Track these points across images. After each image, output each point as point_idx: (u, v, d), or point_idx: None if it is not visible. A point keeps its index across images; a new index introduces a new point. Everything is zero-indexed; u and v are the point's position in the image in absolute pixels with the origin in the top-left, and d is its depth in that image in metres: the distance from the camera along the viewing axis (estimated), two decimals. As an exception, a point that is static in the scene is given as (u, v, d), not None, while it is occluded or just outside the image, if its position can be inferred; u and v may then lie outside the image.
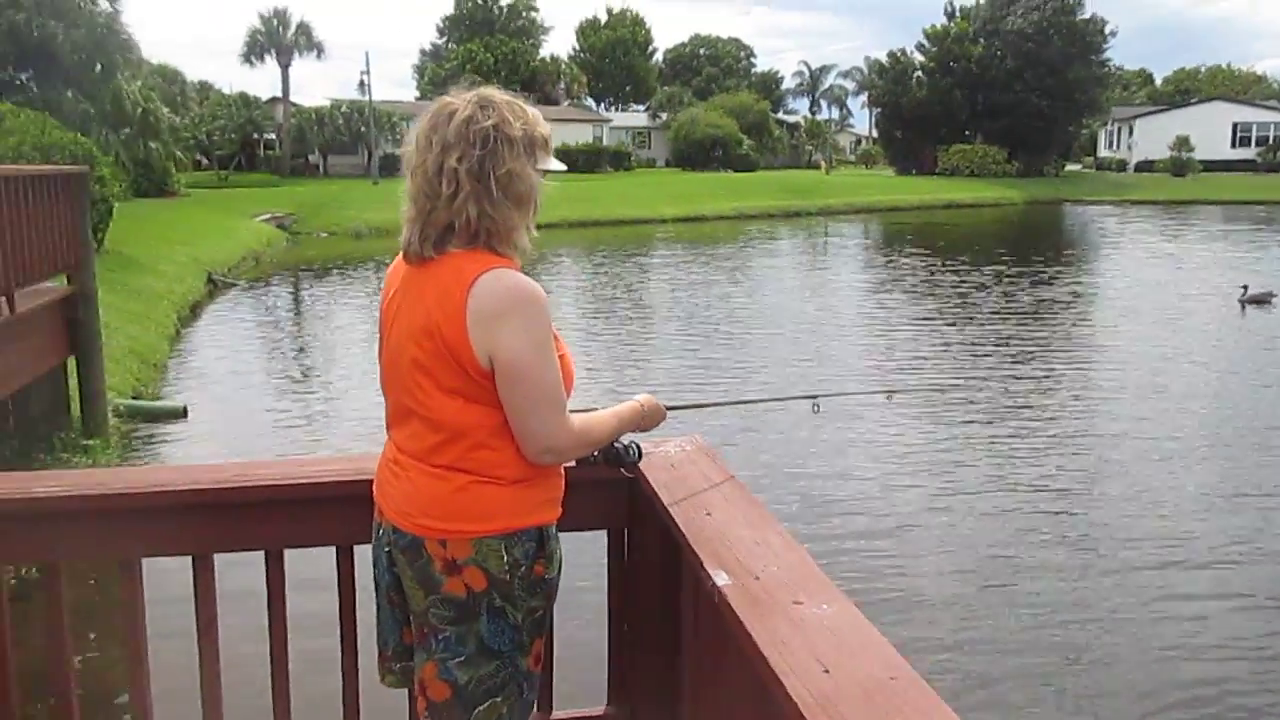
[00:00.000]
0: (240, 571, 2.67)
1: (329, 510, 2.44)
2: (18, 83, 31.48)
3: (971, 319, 15.57)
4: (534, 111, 2.04)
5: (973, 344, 13.64)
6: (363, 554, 2.39)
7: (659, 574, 2.49)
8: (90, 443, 7.92)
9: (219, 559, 2.48)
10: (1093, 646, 5.45)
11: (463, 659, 2.02)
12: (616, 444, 2.29)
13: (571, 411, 2.07)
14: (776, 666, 1.50)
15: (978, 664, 5.28)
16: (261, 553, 2.47)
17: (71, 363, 8.23)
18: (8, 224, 6.63)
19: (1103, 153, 65.36)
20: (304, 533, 2.49)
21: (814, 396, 2.68)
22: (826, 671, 1.47)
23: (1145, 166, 56.63)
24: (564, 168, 2.20)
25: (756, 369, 12.18)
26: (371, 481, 2.19)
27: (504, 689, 2.05)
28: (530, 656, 2.09)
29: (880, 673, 1.47)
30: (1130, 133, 60.42)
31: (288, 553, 2.49)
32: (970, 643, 5.49)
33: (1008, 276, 20.55)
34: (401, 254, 2.04)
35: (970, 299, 17.64)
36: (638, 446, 2.36)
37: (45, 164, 13.40)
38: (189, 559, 2.45)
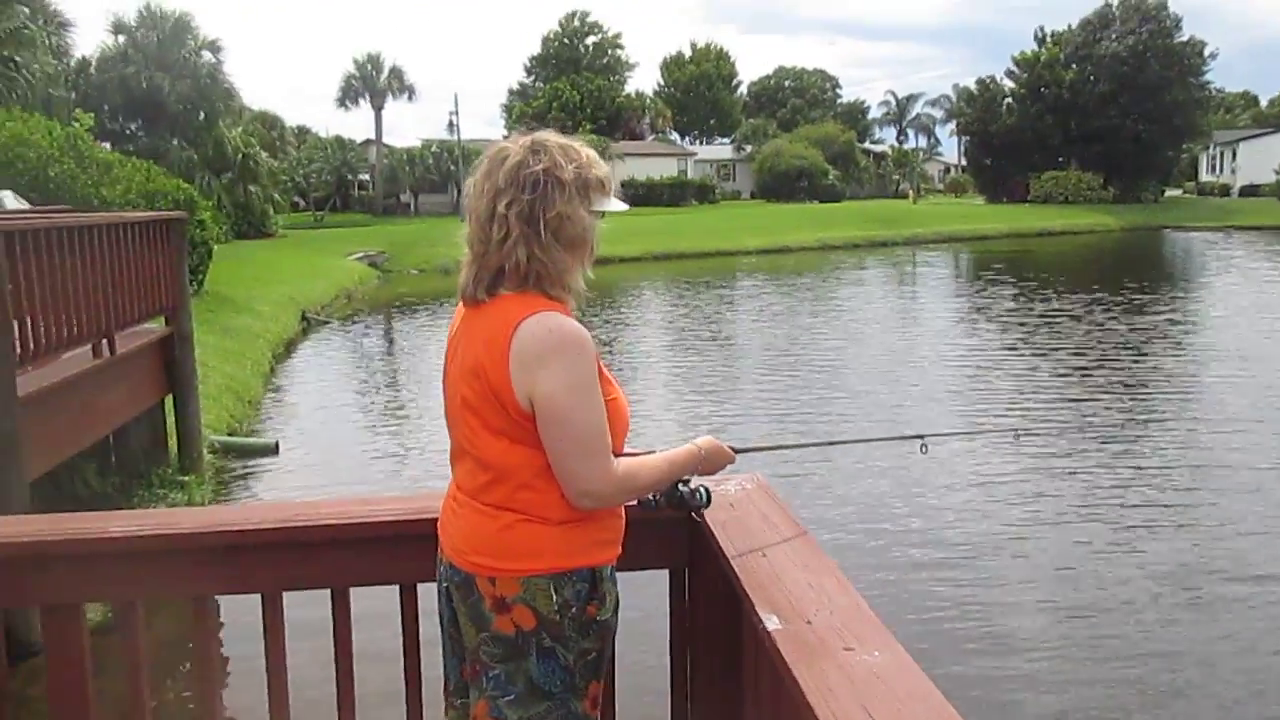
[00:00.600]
0: (305, 611, 2.72)
1: (392, 549, 2.48)
2: (128, 132, 33.15)
3: (1066, 349, 15.14)
4: (589, 153, 2.07)
5: (1068, 376, 13.26)
6: (427, 591, 2.42)
7: (720, 616, 2.46)
8: (186, 479, 8.17)
9: (286, 597, 2.54)
10: (1184, 688, 5.22)
11: (512, 698, 2.02)
12: (681, 488, 2.25)
13: (626, 454, 2.07)
14: (822, 716, 1.47)
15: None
16: (328, 591, 2.52)
17: (169, 401, 8.52)
18: (110, 269, 6.92)
19: (1204, 177, 63.34)
20: (368, 570, 2.53)
21: (916, 437, 2.59)
22: (873, 722, 1.44)
23: (1250, 191, 54.71)
24: (625, 207, 2.20)
25: (841, 406, 12.01)
26: (434, 520, 2.22)
27: None
28: (585, 700, 2.08)
29: (930, 725, 1.43)
30: (1234, 156, 58.51)
31: (353, 591, 2.54)
32: (1063, 682, 5.30)
33: (1101, 305, 19.97)
34: (459, 296, 2.09)
35: (1061, 328, 17.17)
36: (706, 490, 2.30)
37: (150, 209, 14.03)
38: (258, 598, 2.51)
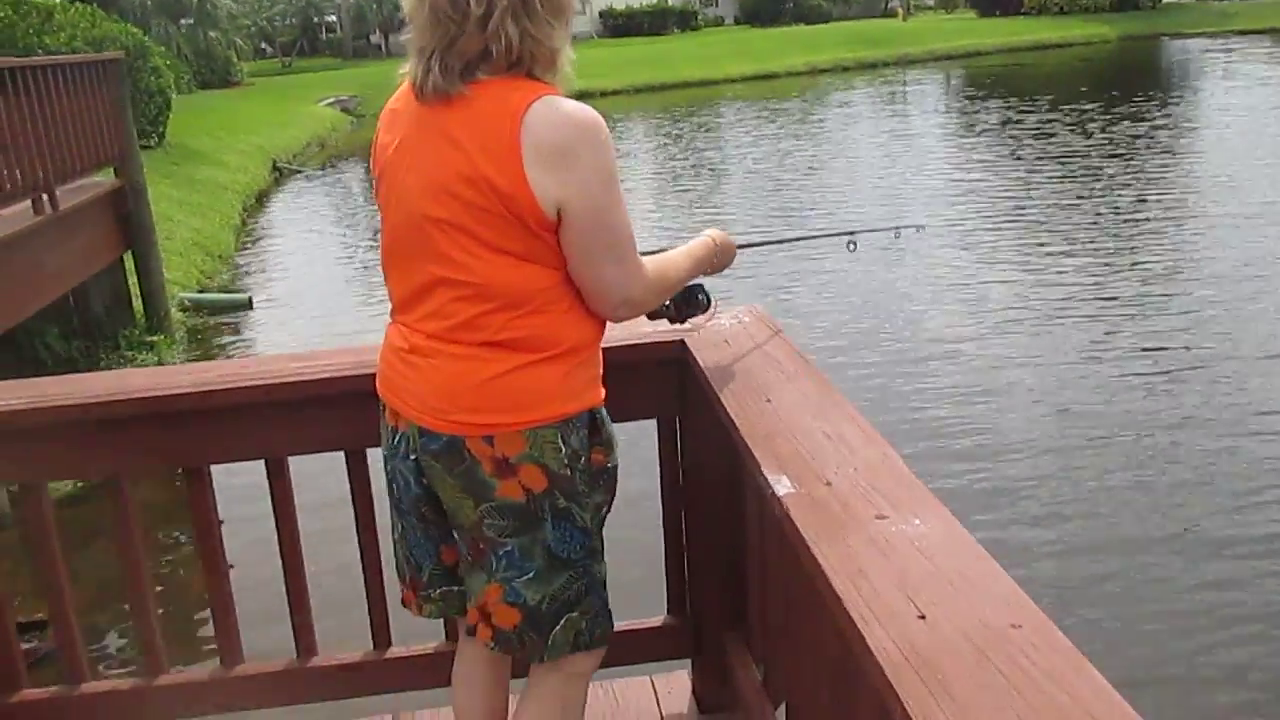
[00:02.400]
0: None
1: (335, 411, 2.12)
2: (74, -23, 31.30)
3: (1050, 159, 14.57)
4: None
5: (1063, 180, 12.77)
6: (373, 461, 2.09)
7: (718, 471, 2.14)
8: (154, 339, 7.82)
9: (217, 470, 2.21)
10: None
11: (531, 575, 1.69)
12: (691, 286, 1.96)
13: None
14: (854, 609, 1.13)
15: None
16: (261, 462, 2.19)
17: (129, 259, 8.07)
18: (41, 118, 6.36)
19: (1204, -20, 60.83)
20: (307, 437, 2.19)
21: (853, 233, 2.38)
22: (922, 617, 1.10)
23: (1252, -9, 52.57)
24: None
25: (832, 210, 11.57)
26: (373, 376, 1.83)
27: (580, 602, 1.73)
28: (604, 561, 1.78)
29: (998, 619, 1.08)
30: (1235, -45, 55.95)
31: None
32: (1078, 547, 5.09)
33: (1090, 116, 19.23)
34: (411, 89, 1.63)
35: (1053, 140, 16.52)
36: (706, 292, 2.00)
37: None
38: (180, 471, 2.18)
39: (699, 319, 2.04)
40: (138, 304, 8.17)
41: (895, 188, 13.88)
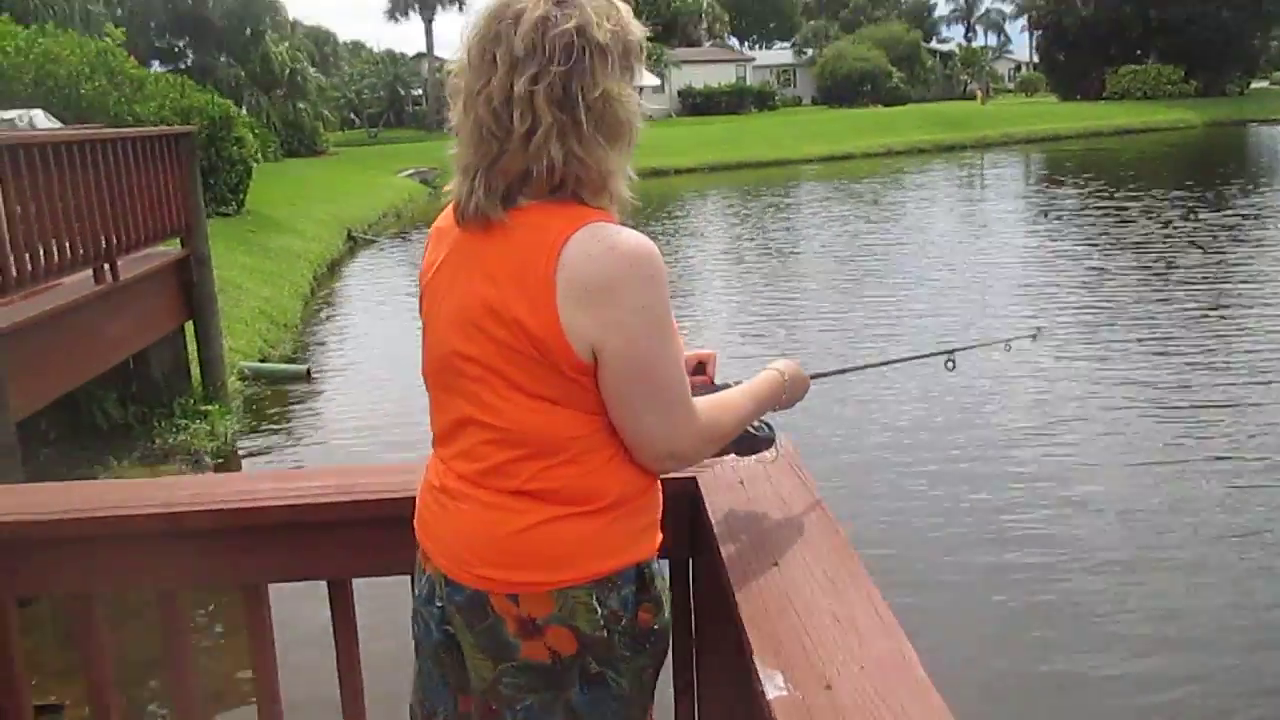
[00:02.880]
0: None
1: (318, 536, 1.97)
2: (175, 49, 32.72)
3: (1141, 254, 14.11)
4: (623, 6, 1.47)
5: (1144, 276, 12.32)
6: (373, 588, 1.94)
7: (728, 620, 1.92)
8: (209, 408, 7.83)
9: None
10: None
11: None
12: (749, 428, 1.72)
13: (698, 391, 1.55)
14: None
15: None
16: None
17: (190, 327, 8.14)
18: (108, 188, 6.46)
19: (1294, 67, 59.79)
20: (288, 563, 2.02)
21: (952, 351, 2.10)
22: None
23: (1345, 80, 51.49)
24: (656, 81, 1.62)
25: (916, 320, 11.27)
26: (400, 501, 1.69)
27: None
28: None
29: None
30: (1327, 44, 54.96)
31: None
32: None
33: (1182, 205, 18.70)
34: (453, 212, 1.50)
35: (1138, 230, 16.05)
36: (769, 427, 1.78)
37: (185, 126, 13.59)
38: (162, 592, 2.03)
39: (765, 454, 1.82)
40: (196, 372, 8.21)
41: (971, 272, 13.58)
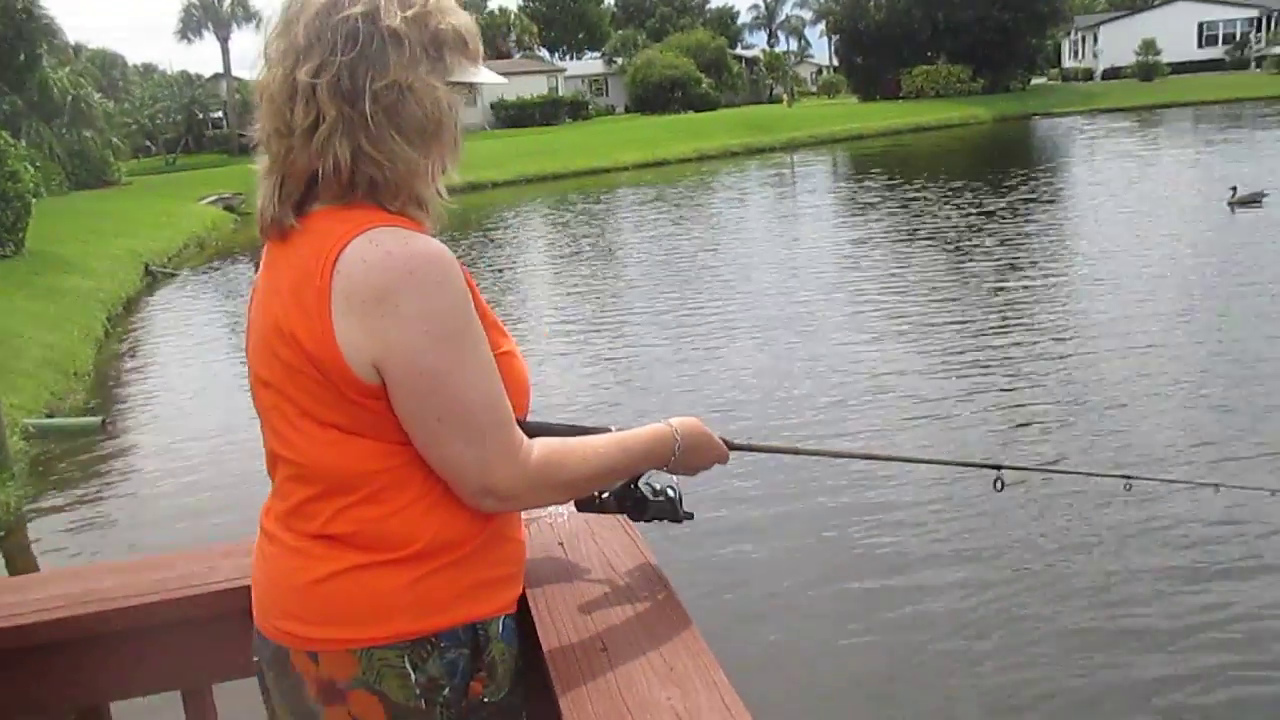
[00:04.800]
0: None
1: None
2: (-63, 80, 30.11)
3: (943, 239, 14.75)
4: None
5: (949, 267, 12.85)
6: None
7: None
8: (-12, 474, 7.07)
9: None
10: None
11: None
12: (642, 487, 1.49)
13: (557, 426, 1.38)
14: None
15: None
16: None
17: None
18: None
19: (1068, 63, 64.15)
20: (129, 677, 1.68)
21: (998, 467, 1.80)
22: None
23: (1112, 74, 55.59)
24: (501, 79, 1.44)
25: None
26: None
27: None
28: None
29: None
30: (1095, 40, 59.27)
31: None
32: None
33: (978, 193, 19.71)
34: (258, 226, 1.36)
35: (938, 218, 16.78)
36: (675, 501, 1.51)
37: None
38: None
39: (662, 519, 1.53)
40: (-27, 436, 7.42)
41: (785, 262, 13.86)
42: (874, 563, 5.43)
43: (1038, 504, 5.88)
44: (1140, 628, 4.66)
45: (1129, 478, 2.15)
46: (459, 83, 1.30)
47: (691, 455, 1.46)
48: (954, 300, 11.17)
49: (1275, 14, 57.01)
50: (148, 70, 58.47)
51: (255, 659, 1.40)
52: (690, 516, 1.52)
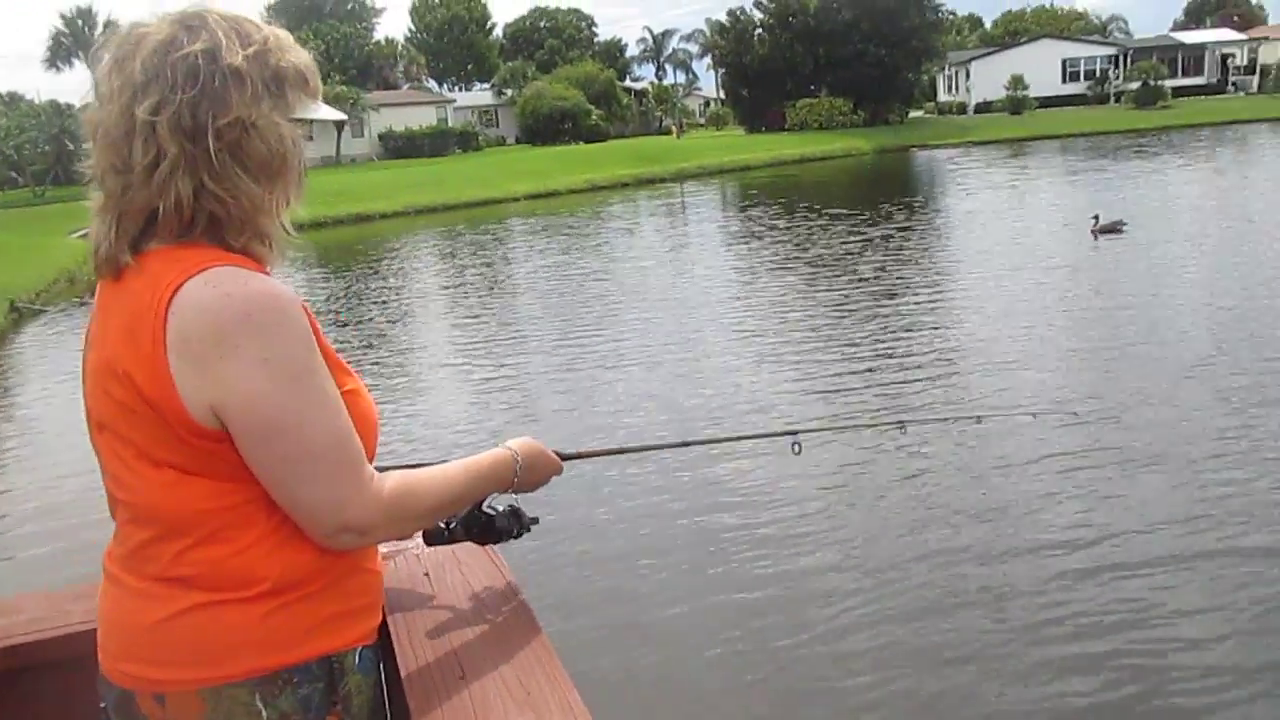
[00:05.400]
0: None
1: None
2: None
3: (825, 266, 15.14)
4: (279, 33, 1.29)
5: (833, 292, 13.20)
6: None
7: None
8: None
9: None
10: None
11: None
12: (488, 509, 1.53)
13: (390, 467, 1.34)
14: None
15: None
16: None
17: None
18: None
19: (943, 97, 66.77)
20: None
21: (794, 433, 2.04)
22: None
23: (984, 108, 58.03)
24: (339, 116, 1.45)
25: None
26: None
27: None
28: None
29: None
30: (967, 76, 61.81)
31: None
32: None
33: (860, 222, 20.32)
34: (92, 263, 1.32)
35: (819, 245, 17.24)
36: (518, 512, 1.58)
37: None
38: None
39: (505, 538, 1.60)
40: None
41: (676, 289, 14.03)
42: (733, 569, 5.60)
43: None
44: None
45: (903, 423, 2.85)
46: (300, 119, 1.31)
47: (530, 473, 1.53)
48: (830, 321, 11.53)
49: (1131, 52, 60.53)
50: (13, 99, 56.16)
51: (102, 705, 1.36)
52: (536, 521, 1.59)
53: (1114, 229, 16.21)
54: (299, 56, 1.32)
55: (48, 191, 42.83)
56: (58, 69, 49.81)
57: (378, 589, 1.42)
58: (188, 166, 1.22)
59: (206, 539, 1.25)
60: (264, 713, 1.25)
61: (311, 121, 1.35)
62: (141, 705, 1.27)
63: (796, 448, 2.02)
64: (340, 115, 1.48)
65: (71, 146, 48.28)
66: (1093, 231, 16.18)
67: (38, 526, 7.15)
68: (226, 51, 1.24)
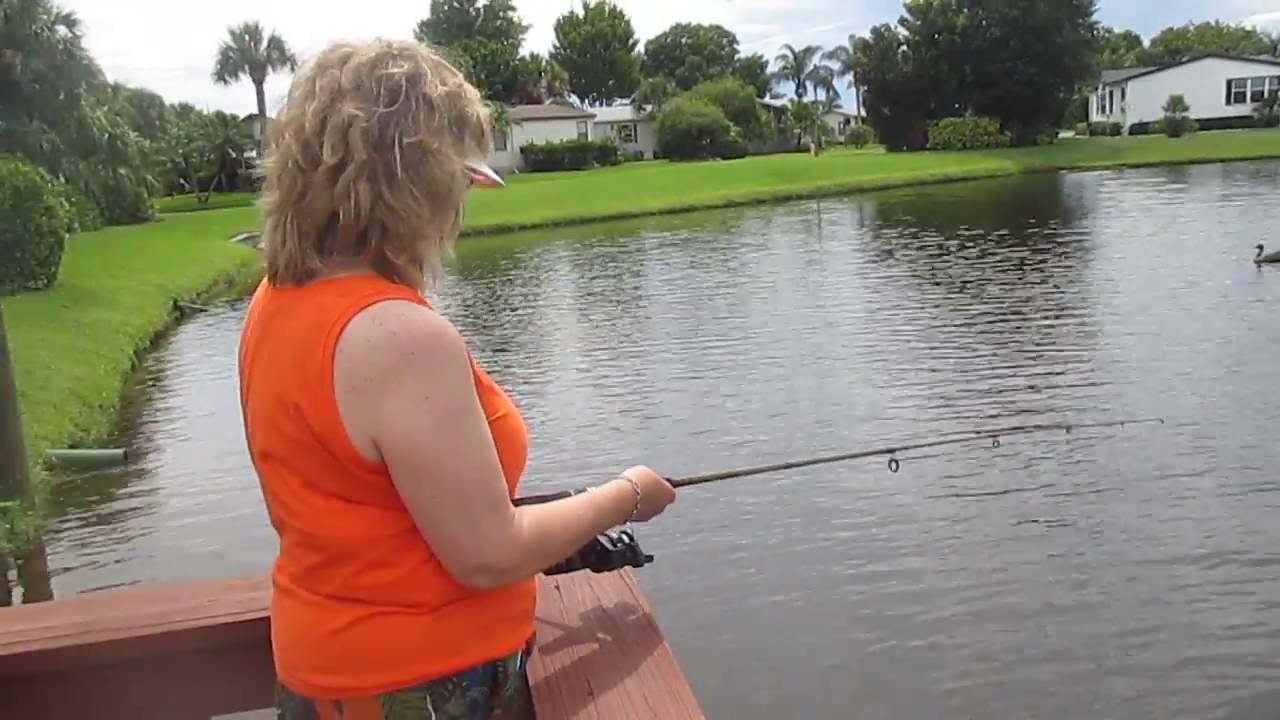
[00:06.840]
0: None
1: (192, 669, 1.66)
2: (-20, 115, 30.77)
3: (968, 290, 14.71)
4: (471, 88, 1.35)
5: (979, 317, 12.82)
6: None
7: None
8: (8, 504, 7.14)
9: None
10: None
11: None
12: (601, 539, 1.54)
13: (524, 500, 1.36)
14: None
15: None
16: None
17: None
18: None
19: (1095, 118, 64.37)
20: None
21: (891, 451, 2.00)
22: None
23: (1140, 129, 55.70)
24: (500, 182, 1.44)
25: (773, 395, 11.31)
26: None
27: None
28: None
29: None
30: (1123, 96, 59.46)
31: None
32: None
33: (1005, 246, 19.69)
34: (266, 272, 1.36)
35: (962, 269, 16.77)
36: (635, 549, 1.57)
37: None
38: None
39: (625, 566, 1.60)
40: (-3, 465, 7.49)
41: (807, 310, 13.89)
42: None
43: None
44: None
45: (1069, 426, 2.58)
46: (469, 167, 1.34)
47: (647, 504, 1.55)
48: (973, 342, 11.18)
49: (1304, 72, 57.07)
50: (184, 110, 59.56)
51: (279, 713, 1.42)
52: (650, 559, 1.57)
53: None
54: (483, 111, 1.37)
55: (211, 197, 45.28)
56: (225, 82, 52.72)
57: (533, 594, 1.46)
58: (371, 174, 1.26)
59: (375, 564, 1.29)
60: (434, 716, 1.30)
61: (475, 173, 1.36)
62: (321, 712, 1.33)
63: (894, 465, 2.00)
64: (499, 180, 1.50)
65: (234, 155, 51.05)
66: (1256, 261, 15.31)
67: (194, 516, 7.54)
68: (427, 82, 1.30)
